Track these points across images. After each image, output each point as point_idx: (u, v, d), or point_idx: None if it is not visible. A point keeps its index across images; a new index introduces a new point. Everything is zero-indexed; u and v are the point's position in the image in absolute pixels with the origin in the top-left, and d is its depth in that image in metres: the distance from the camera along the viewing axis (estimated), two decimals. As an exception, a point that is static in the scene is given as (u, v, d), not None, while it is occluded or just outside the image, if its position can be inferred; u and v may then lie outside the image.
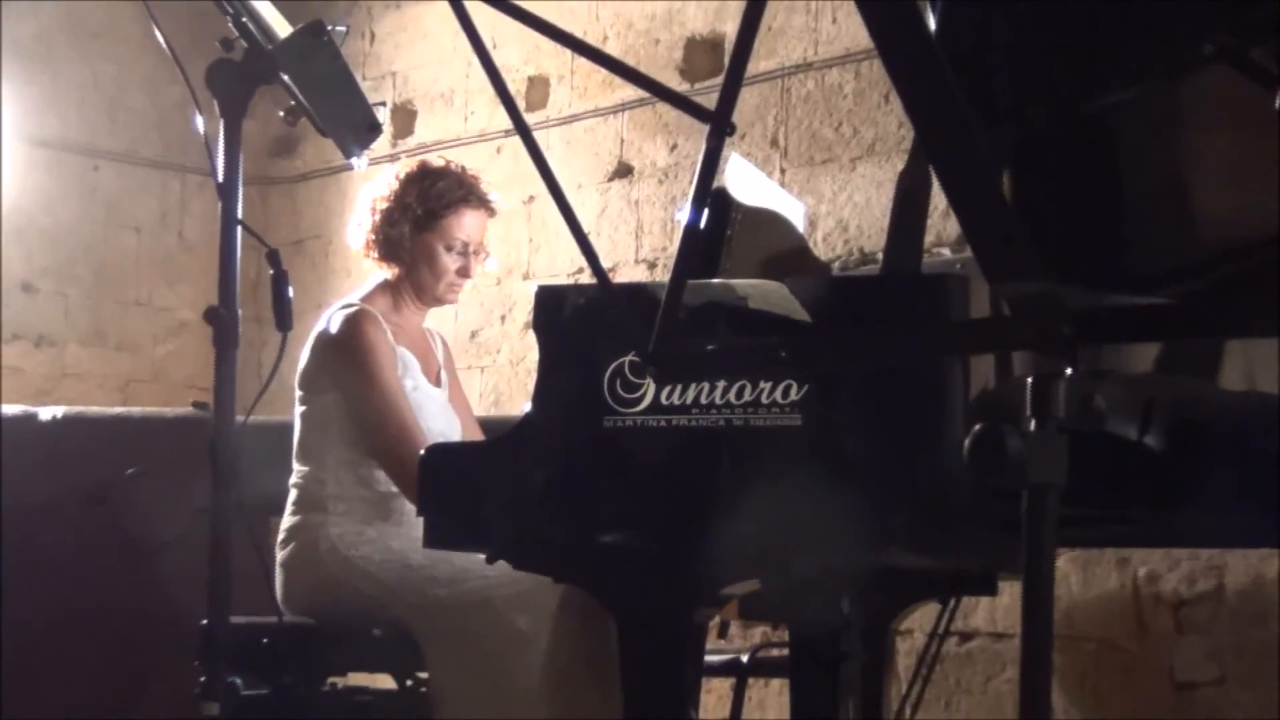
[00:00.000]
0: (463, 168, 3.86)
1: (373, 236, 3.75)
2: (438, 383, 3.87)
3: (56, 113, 6.76)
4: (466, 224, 3.75)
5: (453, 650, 3.40)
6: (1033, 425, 1.42)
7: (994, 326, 1.97)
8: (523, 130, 2.01)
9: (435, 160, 3.78)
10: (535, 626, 3.33)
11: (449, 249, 3.73)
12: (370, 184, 3.78)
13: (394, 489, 3.58)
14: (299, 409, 3.68)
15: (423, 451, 3.11)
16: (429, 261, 3.73)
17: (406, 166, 3.79)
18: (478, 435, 3.87)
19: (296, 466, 3.66)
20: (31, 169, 6.71)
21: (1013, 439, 1.42)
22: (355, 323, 3.63)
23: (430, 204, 3.71)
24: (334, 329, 3.63)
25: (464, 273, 3.79)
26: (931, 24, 1.58)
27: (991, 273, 1.54)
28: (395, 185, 3.74)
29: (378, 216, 3.73)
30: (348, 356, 3.61)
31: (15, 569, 4.39)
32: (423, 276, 3.75)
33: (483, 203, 3.80)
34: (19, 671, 4.56)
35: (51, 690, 4.66)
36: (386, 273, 3.78)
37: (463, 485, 2.97)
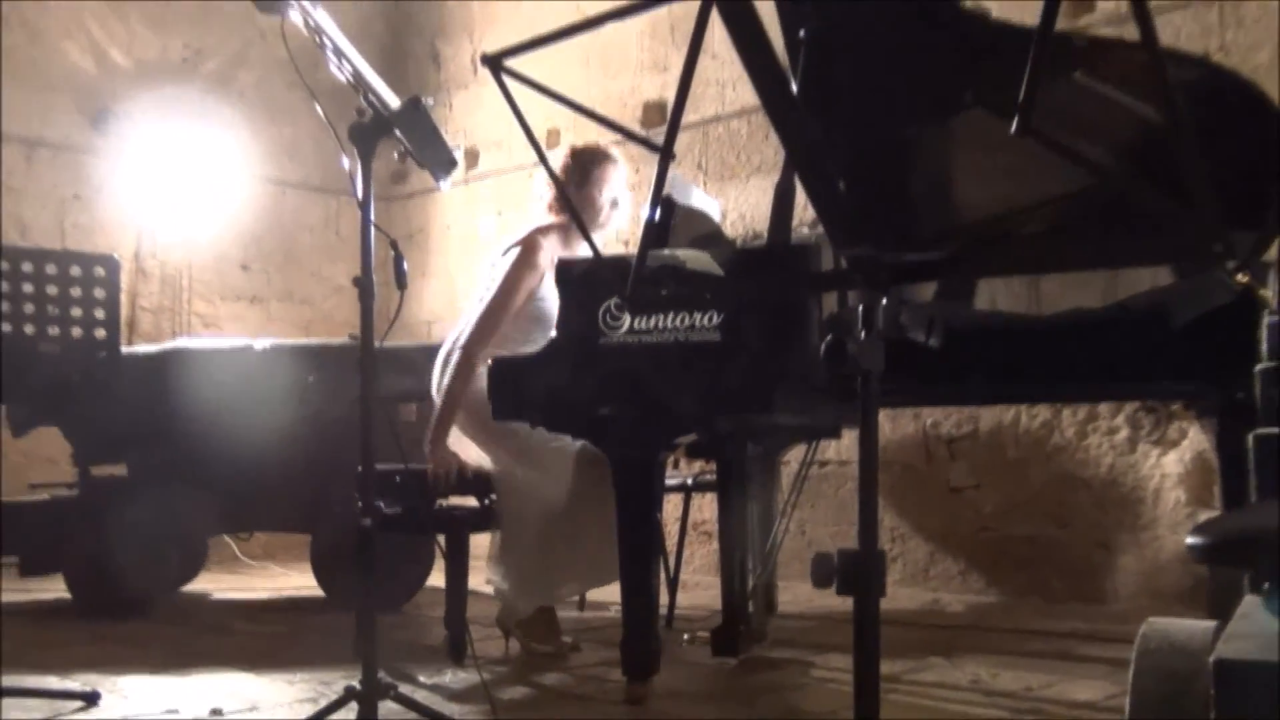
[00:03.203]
0: (599, 144, 3.62)
1: (552, 195, 3.53)
2: None
3: (260, 159, 6.70)
4: (608, 175, 3.55)
5: (511, 480, 3.39)
6: (863, 335, 1.40)
7: (837, 274, 1.94)
8: (545, 163, 1.97)
9: (577, 144, 3.55)
10: (564, 467, 3.32)
11: (600, 194, 3.52)
12: (538, 175, 3.50)
13: None
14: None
15: (490, 362, 3.10)
16: (590, 204, 3.51)
17: (563, 154, 3.55)
18: None
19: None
20: (247, 194, 6.67)
21: (851, 344, 1.40)
22: (523, 244, 3.48)
23: (584, 167, 3.51)
24: (514, 245, 3.48)
25: (614, 204, 3.57)
26: (794, 86, 1.54)
27: (835, 240, 1.52)
28: (563, 162, 3.52)
29: (554, 184, 3.47)
30: (509, 263, 3.47)
31: (246, 442, 4.37)
32: (586, 214, 3.51)
33: (614, 160, 3.58)
34: (248, 498, 4.58)
35: (267, 510, 4.67)
36: (557, 218, 3.55)
37: (517, 380, 2.95)
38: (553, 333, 3.07)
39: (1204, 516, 4.03)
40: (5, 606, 4.37)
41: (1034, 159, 1.37)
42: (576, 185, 3.50)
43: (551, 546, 3.31)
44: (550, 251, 3.48)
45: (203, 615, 4.43)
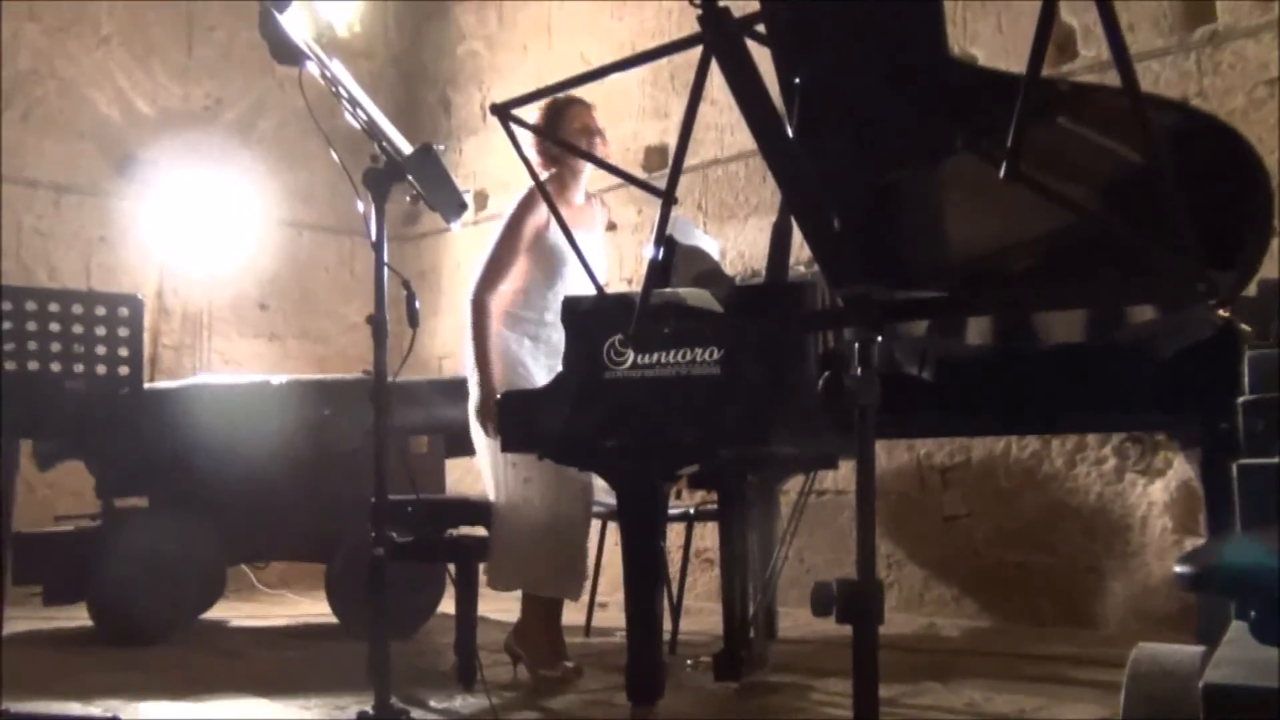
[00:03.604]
0: (559, 95, 3.39)
1: (539, 156, 3.45)
2: (590, 231, 3.65)
3: (278, 202, 6.72)
4: (578, 115, 3.50)
5: (508, 505, 3.37)
6: (858, 371, 1.40)
7: (832, 312, 1.94)
8: (550, 205, 1.98)
9: (541, 102, 3.44)
10: (567, 493, 3.30)
11: (574, 136, 3.44)
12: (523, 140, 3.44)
13: (546, 319, 3.46)
14: None
15: (500, 395, 3.09)
16: (570, 149, 3.44)
17: (532, 119, 3.48)
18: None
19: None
20: (265, 236, 6.69)
21: (847, 379, 1.40)
22: (521, 200, 3.45)
23: (551, 120, 3.46)
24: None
25: (594, 136, 3.51)
26: (790, 130, 1.55)
27: (830, 279, 1.52)
28: (538, 118, 3.47)
29: (535, 146, 3.41)
30: (507, 216, 3.46)
31: (263, 474, 4.36)
32: (568, 159, 3.50)
33: (581, 101, 3.52)
34: (265, 528, 4.56)
35: (284, 540, 4.65)
36: (548, 171, 3.52)
37: (525, 413, 2.94)
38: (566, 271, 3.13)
39: (1190, 543, 4.00)
40: (29, 635, 4.35)
41: (1022, 201, 1.37)
42: (552, 134, 3.44)
43: (539, 541, 3.29)
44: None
45: (221, 642, 4.40)
